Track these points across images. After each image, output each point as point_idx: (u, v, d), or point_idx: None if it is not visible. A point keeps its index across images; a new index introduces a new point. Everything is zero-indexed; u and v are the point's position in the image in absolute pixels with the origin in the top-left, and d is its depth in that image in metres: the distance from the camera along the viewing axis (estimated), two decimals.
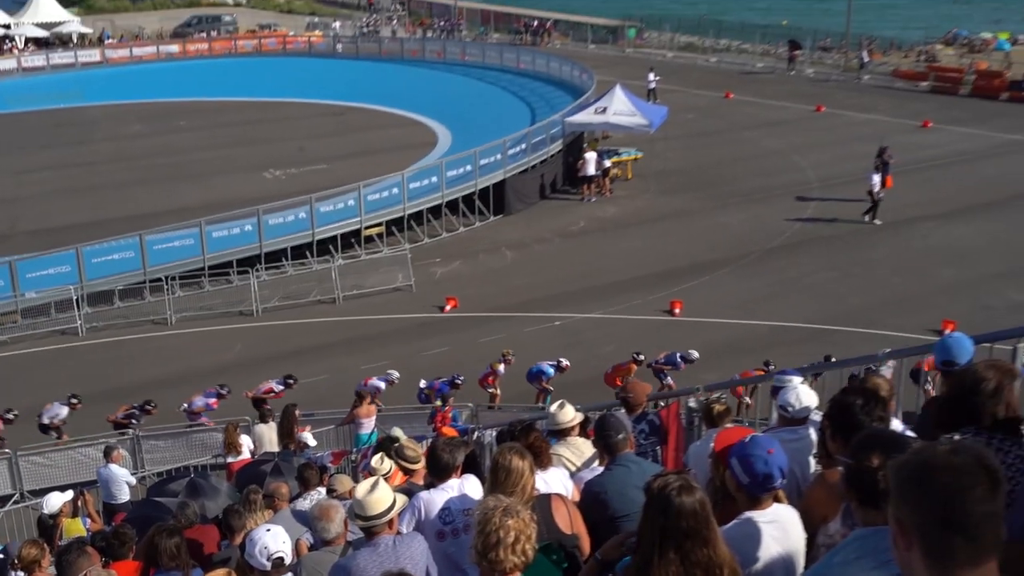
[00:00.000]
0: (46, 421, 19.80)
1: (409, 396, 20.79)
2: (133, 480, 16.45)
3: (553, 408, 8.07)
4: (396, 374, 20.94)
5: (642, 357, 20.47)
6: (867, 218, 31.36)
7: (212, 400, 20.45)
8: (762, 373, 20.03)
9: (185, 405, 20.38)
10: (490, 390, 20.91)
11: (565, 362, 20.92)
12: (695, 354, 20.45)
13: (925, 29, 69.66)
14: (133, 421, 19.99)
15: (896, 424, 6.03)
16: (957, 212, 32.24)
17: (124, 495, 15.85)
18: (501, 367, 20.90)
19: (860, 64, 56.13)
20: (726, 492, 4.84)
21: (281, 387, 20.71)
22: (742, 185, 35.65)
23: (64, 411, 19.96)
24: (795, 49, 58.93)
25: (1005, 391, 4.60)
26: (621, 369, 20.33)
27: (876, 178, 31.35)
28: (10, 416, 20.39)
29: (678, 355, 20.45)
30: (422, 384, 20.59)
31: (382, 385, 20.41)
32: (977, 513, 2.33)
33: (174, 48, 64.63)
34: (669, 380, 20.23)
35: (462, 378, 20.54)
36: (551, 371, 20.75)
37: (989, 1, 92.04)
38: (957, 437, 4.62)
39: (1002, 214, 32.04)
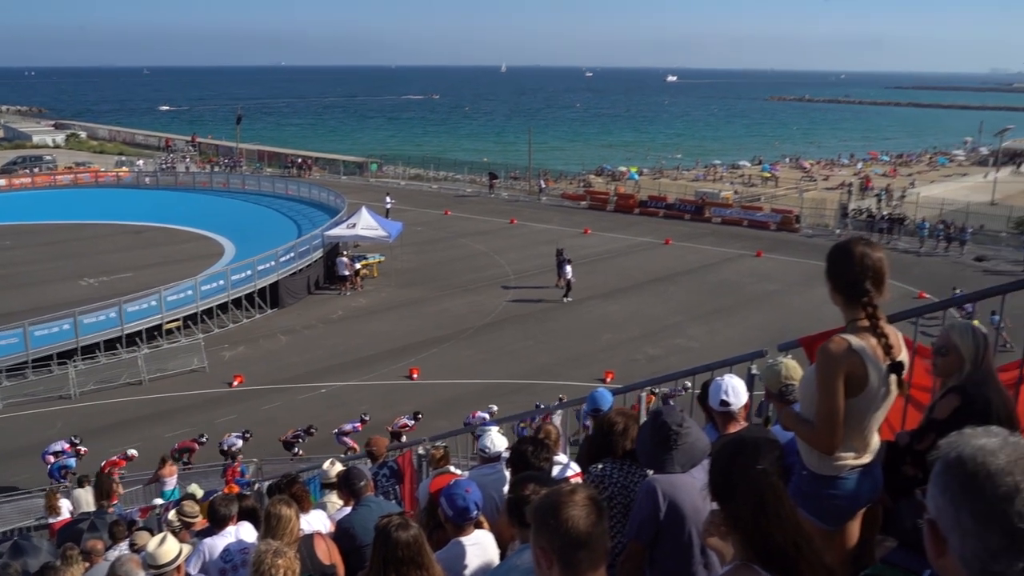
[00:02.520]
0: (224, 448, 19.55)
1: (210, 455, 19.61)
2: None
3: (325, 466, 7.84)
4: (495, 408, 20.30)
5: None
6: (566, 299, 32.61)
7: (357, 424, 20.26)
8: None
9: (336, 430, 19.91)
10: (548, 426, 19.39)
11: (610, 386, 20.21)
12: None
13: (582, 164, 74.26)
14: (300, 440, 19.64)
15: (562, 458, 6.17)
16: (610, 293, 34.04)
17: None
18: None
19: (539, 189, 57.96)
20: (440, 522, 4.84)
21: (412, 421, 20.02)
22: (460, 278, 36.17)
23: (239, 442, 19.75)
24: (494, 178, 60.78)
25: (630, 430, 4.87)
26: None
27: (568, 268, 32.90)
28: (202, 440, 19.97)
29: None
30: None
31: (487, 416, 19.54)
32: (594, 533, 2.43)
33: (1, 182, 58.52)
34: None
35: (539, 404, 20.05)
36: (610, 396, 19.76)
37: (622, 147, 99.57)
38: (600, 466, 4.84)
39: (639, 294, 34.08)
